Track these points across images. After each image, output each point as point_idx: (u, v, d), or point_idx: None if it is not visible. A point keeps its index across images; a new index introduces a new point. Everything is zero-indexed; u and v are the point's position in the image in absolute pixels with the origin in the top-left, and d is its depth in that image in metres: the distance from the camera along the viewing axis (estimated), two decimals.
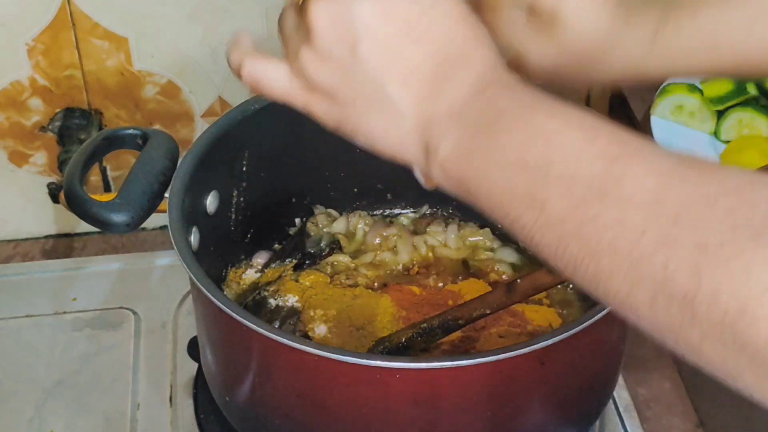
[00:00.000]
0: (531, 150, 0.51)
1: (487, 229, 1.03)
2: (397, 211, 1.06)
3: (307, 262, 0.99)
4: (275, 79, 0.60)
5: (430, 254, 1.01)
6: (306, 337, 0.90)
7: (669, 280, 0.45)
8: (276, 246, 1.02)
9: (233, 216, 0.95)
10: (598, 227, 0.48)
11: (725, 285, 0.43)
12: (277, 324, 0.91)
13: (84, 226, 1.16)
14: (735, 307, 0.42)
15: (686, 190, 0.46)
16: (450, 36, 0.56)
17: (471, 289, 0.95)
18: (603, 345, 0.79)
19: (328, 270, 0.99)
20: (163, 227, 1.17)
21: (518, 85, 0.55)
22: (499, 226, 0.54)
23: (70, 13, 1.05)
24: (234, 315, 0.72)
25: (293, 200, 1.03)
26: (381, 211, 1.06)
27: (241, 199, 0.95)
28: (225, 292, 0.94)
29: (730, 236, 0.43)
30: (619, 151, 0.49)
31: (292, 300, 0.94)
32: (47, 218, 1.20)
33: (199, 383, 0.97)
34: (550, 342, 0.71)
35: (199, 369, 0.98)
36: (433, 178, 0.57)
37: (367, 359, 0.72)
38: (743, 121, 1.11)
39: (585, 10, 0.66)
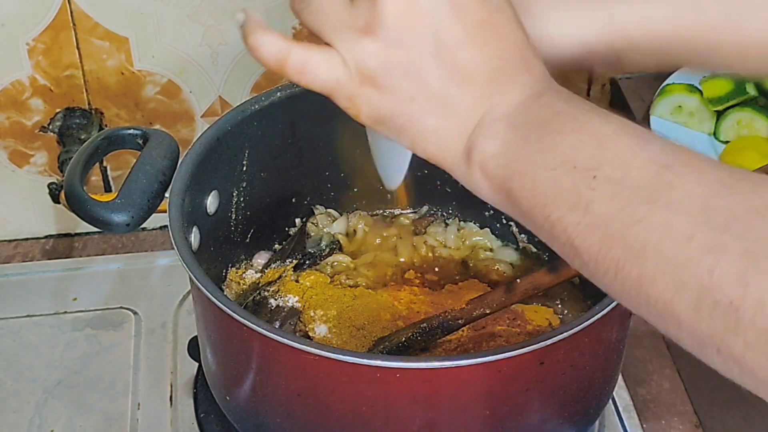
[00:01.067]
0: (582, 151, 0.51)
1: (487, 230, 1.03)
2: (397, 211, 1.06)
3: (307, 262, 0.99)
4: (324, 69, 0.56)
5: (430, 254, 1.01)
6: (306, 337, 0.90)
7: (714, 286, 0.44)
8: (276, 246, 1.02)
9: (233, 216, 0.95)
10: (644, 230, 0.47)
11: None
12: (277, 324, 0.91)
13: (84, 226, 1.16)
14: None
15: (736, 200, 0.46)
16: (512, 40, 0.55)
17: (471, 289, 0.95)
18: (602, 345, 0.80)
19: (329, 270, 0.99)
20: (163, 227, 1.18)
21: (573, 94, 0.55)
22: (535, 233, 0.54)
23: (71, 13, 1.05)
24: (234, 315, 0.72)
25: (293, 200, 1.03)
26: (381, 211, 1.06)
27: (241, 199, 0.95)
28: (225, 292, 0.94)
29: None
30: (671, 160, 0.49)
31: (292, 300, 0.94)
32: (48, 218, 1.20)
33: (199, 383, 0.98)
34: (549, 342, 0.71)
35: (199, 369, 0.98)
36: (470, 184, 0.56)
37: (368, 359, 0.72)
38: (742, 122, 1.12)
39: None
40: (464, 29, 0.54)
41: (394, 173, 0.67)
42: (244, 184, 0.95)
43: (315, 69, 0.56)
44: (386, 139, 0.59)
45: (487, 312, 0.86)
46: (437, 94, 0.55)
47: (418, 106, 0.55)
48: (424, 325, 0.87)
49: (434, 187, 1.04)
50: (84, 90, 1.11)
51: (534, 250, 1.02)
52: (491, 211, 1.04)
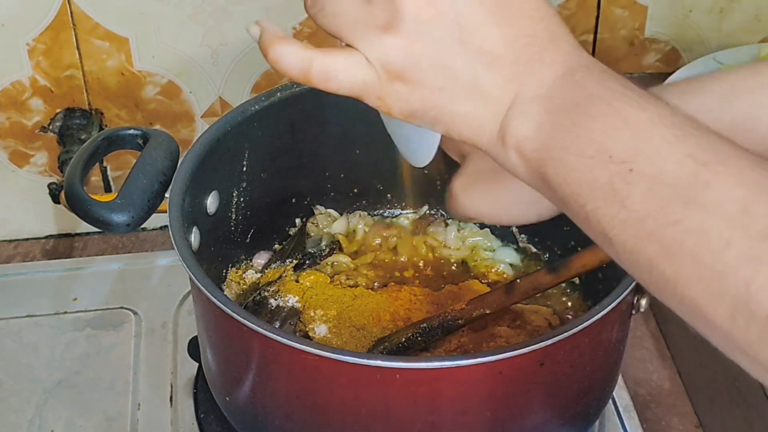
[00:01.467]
0: (617, 141, 0.49)
1: (487, 230, 1.03)
2: (397, 211, 1.06)
3: (307, 262, 0.99)
4: (349, 73, 0.55)
5: (430, 255, 1.01)
6: (306, 337, 0.90)
7: (752, 298, 0.44)
8: (276, 246, 1.02)
9: (233, 216, 0.95)
10: (680, 232, 0.47)
11: None
12: (277, 324, 0.91)
13: (84, 226, 1.16)
14: None
15: None
16: (538, 15, 0.54)
17: (471, 289, 0.95)
18: (603, 345, 0.80)
19: (329, 270, 0.99)
20: (164, 227, 1.18)
21: (607, 71, 0.53)
22: (572, 218, 0.53)
23: (71, 13, 1.05)
24: (234, 315, 0.72)
25: (293, 200, 1.03)
26: (381, 211, 1.06)
27: (241, 199, 0.95)
28: (225, 293, 0.94)
29: None
30: (709, 156, 0.47)
31: (292, 300, 0.94)
32: (48, 218, 1.20)
33: (200, 383, 0.98)
34: (549, 342, 0.71)
35: (200, 369, 0.98)
36: (507, 165, 0.55)
37: (368, 359, 0.72)
38: None
39: None
40: (486, 10, 0.53)
41: (424, 152, 0.64)
42: (244, 184, 0.95)
43: (340, 74, 0.55)
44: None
45: (487, 312, 0.86)
46: (466, 81, 0.53)
47: (448, 95, 0.54)
48: (424, 325, 0.87)
49: (434, 188, 1.04)
50: (84, 90, 1.11)
51: (534, 250, 1.02)
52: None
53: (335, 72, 0.55)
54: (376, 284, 0.97)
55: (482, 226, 1.04)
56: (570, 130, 0.51)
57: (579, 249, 0.83)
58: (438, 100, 0.54)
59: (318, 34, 1.10)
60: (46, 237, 1.21)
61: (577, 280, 0.94)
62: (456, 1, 0.52)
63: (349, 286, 0.96)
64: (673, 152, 0.48)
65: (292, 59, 0.55)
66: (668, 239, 0.47)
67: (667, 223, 0.47)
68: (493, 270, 0.99)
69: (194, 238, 0.86)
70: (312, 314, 0.92)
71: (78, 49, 1.08)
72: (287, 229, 1.03)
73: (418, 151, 0.64)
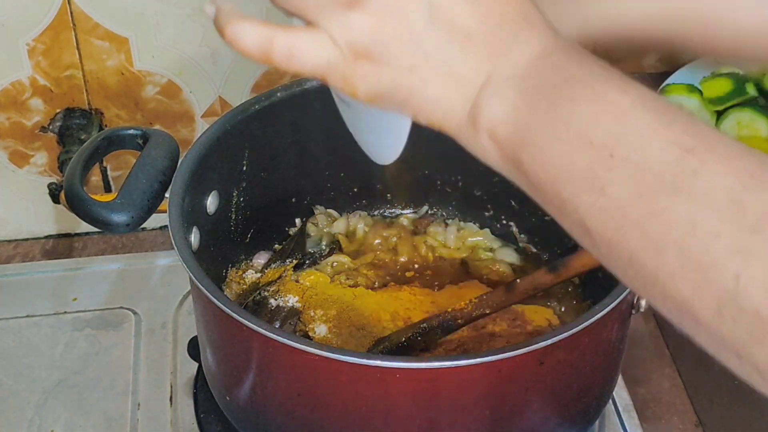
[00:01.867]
0: (598, 126, 0.47)
1: (487, 230, 1.03)
2: (397, 211, 1.06)
3: (307, 262, 0.99)
4: (313, 52, 0.52)
5: (430, 254, 1.01)
6: (306, 337, 0.90)
7: (740, 292, 0.42)
8: (276, 246, 1.02)
9: (233, 216, 0.95)
10: (664, 223, 0.44)
11: None
12: (277, 324, 0.91)
13: (84, 226, 1.16)
14: None
15: (767, 196, 0.43)
16: None
17: (471, 289, 0.95)
18: (602, 345, 0.80)
19: (329, 270, 0.99)
20: (164, 227, 1.18)
21: (585, 53, 0.51)
22: (543, 207, 0.51)
23: (71, 13, 1.05)
24: (234, 315, 0.72)
25: (293, 200, 1.03)
26: (381, 211, 1.06)
27: (241, 199, 0.95)
28: (225, 292, 0.94)
29: None
30: (695, 143, 0.45)
31: (292, 300, 0.94)
32: (48, 218, 1.20)
33: (199, 383, 0.98)
34: (549, 342, 0.71)
35: (199, 369, 0.98)
36: (477, 150, 0.52)
37: (368, 359, 0.72)
38: (742, 122, 1.12)
39: None
40: None
41: (391, 146, 0.60)
42: (244, 184, 0.95)
43: (303, 53, 0.52)
44: (377, 111, 0.55)
45: (487, 312, 0.86)
46: (437, 61, 0.51)
47: (418, 76, 0.51)
48: (424, 325, 0.87)
49: (434, 187, 1.04)
50: (84, 90, 1.11)
51: (534, 250, 1.02)
52: (491, 211, 1.04)
53: (298, 50, 0.52)
54: (376, 284, 0.97)
55: (482, 226, 1.04)
56: (548, 114, 0.49)
57: (579, 249, 0.83)
58: (407, 81, 0.52)
59: None
60: (46, 237, 1.21)
61: (577, 280, 0.94)
62: None
63: (349, 286, 0.96)
64: (657, 138, 0.46)
65: (251, 37, 0.53)
66: (651, 229, 0.45)
67: (651, 213, 0.45)
68: (493, 270, 0.99)
69: (194, 238, 0.86)
70: (312, 314, 0.92)
71: (78, 48, 1.08)
72: (287, 229, 1.03)
73: (384, 145, 0.61)
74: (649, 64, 1.19)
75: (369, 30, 0.51)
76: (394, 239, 1.01)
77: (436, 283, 0.97)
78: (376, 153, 0.63)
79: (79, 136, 1.11)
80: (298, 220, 1.04)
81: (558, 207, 0.49)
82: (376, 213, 1.06)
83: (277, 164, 0.97)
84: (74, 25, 1.06)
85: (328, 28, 0.52)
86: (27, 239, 1.21)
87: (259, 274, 0.98)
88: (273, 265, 0.99)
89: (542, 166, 0.49)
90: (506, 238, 1.03)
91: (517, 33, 0.51)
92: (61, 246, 1.20)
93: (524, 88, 0.50)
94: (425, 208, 1.06)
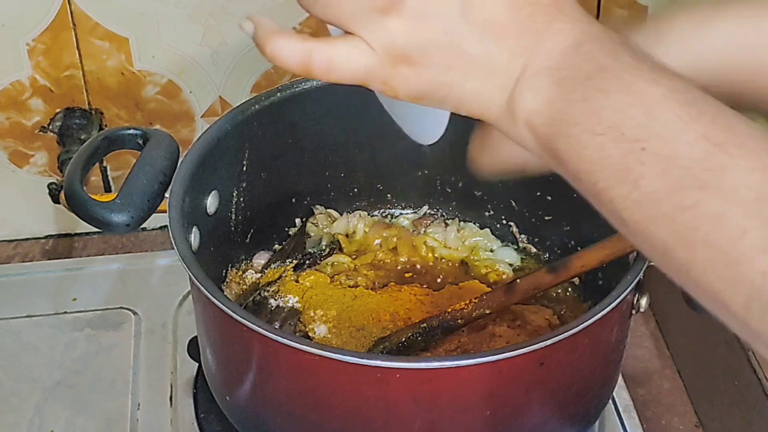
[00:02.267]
0: (629, 119, 0.48)
1: (487, 230, 1.03)
2: (397, 211, 1.06)
3: (307, 262, 0.99)
4: (351, 61, 0.53)
5: (430, 255, 1.01)
6: (306, 337, 0.90)
7: (767, 289, 0.43)
8: (276, 246, 1.02)
9: (233, 216, 0.95)
10: (694, 217, 0.45)
11: None
12: (277, 324, 0.91)
13: (84, 227, 1.16)
14: None
15: None
16: None
17: (471, 289, 0.95)
18: (602, 345, 0.79)
19: (329, 270, 0.99)
20: (164, 227, 1.18)
21: (617, 41, 0.51)
22: (583, 194, 0.51)
23: (71, 13, 1.05)
24: (234, 315, 0.72)
25: (293, 200, 1.03)
26: (381, 211, 1.06)
27: (241, 199, 0.95)
28: (225, 293, 0.94)
29: None
30: (723, 137, 0.46)
31: (292, 300, 0.94)
32: (47, 218, 1.20)
33: (199, 383, 0.98)
34: (549, 342, 0.71)
35: (199, 369, 0.98)
36: (516, 138, 0.53)
37: (368, 359, 0.72)
38: None
39: None
40: None
41: (434, 128, 0.62)
42: (244, 184, 0.95)
43: (342, 63, 0.53)
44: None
45: (487, 312, 0.86)
46: (474, 56, 0.52)
47: (457, 74, 0.53)
48: (424, 325, 0.87)
49: (434, 187, 1.04)
50: (84, 90, 1.11)
51: (534, 250, 1.02)
52: (491, 212, 1.04)
53: (337, 61, 0.53)
54: (376, 284, 0.97)
55: (482, 226, 1.04)
56: (580, 105, 0.50)
57: (579, 249, 0.83)
58: (446, 79, 0.53)
59: (319, 33, 1.10)
60: (46, 237, 1.21)
61: (577, 280, 0.94)
62: None
63: (349, 286, 0.96)
64: (686, 131, 0.47)
65: (290, 53, 0.54)
66: (682, 224, 0.46)
67: (682, 207, 0.46)
68: (493, 270, 0.99)
69: (194, 238, 0.85)
70: (312, 314, 0.92)
71: (78, 48, 1.08)
72: (287, 229, 1.03)
73: (428, 127, 0.62)
74: None
75: (405, 34, 0.52)
76: (394, 239, 1.01)
77: (436, 284, 0.97)
78: (418, 134, 0.64)
79: (79, 136, 1.11)
80: (298, 220, 1.04)
81: (594, 196, 0.50)
82: (376, 213, 1.06)
83: (277, 164, 0.97)
84: (74, 25, 1.06)
85: (365, 35, 0.53)
86: (27, 239, 1.21)
87: (259, 275, 0.98)
88: (273, 266, 0.99)
89: (577, 157, 0.50)
90: (506, 238, 1.03)
91: (549, 23, 0.51)
92: (61, 246, 1.20)
93: (558, 79, 0.51)
94: (425, 208, 1.06)
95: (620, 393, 0.97)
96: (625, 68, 0.50)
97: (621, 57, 0.50)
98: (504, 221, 1.03)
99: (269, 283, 0.96)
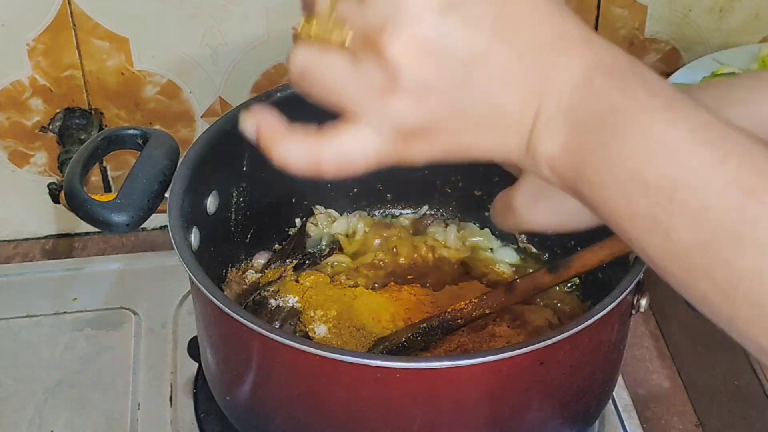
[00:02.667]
0: (651, 166, 0.45)
1: (487, 230, 1.03)
2: (397, 211, 1.06)
3: (307, 262, 0.99)
4: (361, 152, 0.51)
5: (430, 255, 1.01)
6: (306, 337, 0.90)
7: None
8: (276, 246, 1.02)
9: (233, 216, 0.95)
10: (732, 273, 0.44)
11: None
12: (277, 324, 0.91)
13: (84, 226, 1.16)
14: None
15: None
16: (537, 20, 0.49)
17: (471, 289, 0.95)
18: (602, 345, 0.79)
19: (329, 270, 0.99)
20: (163, 227, 1.18)
21: (628, 67, 0.49)
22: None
23: (71, 13, 1.05)
24: (234, 315, 0.72)
25: (293, 200, 1.03)
26: (381, 211, 1.06)
27: (241, 199, 0.95)
28: (225, 293, 0.94)
29: None
30: (754, 182, 0.44)
31: (292, 300, 0.94)
32: (47, 218, 1.20)
33: (199, 383, 0.98)
34: (549, 342, 0.71)
35: (199, 369, 0.98)
36: (543, 179, 0.51)
37: (368, 359, 0.72)
38: None
39: None
40: (481, 35, 0.48)
41: None
42: (244, 185, 0.95)
43: (353, 157, 0.51)
44: None
45: (487, 312, 0.86)
46: (483, 117, 0.50)
47: (470, 135, 0.50)
48: (424, 325, 0.87)
49: (434, 188, 1.04)
50: (84, 90, 1.11)
51: (534, 250, 1.02)
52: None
53: (348, 156, 0.51)
54: (376, 284, 0.97)
55: (482, 226, 1.04)
56: (599, 153, 0.47)
57: (579, 249, 0.83)
58: (460, 141, 0.51)
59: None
60: (46, 237, 1.21)
61: (577, 280, 0.94)
62: (447, 39, 0.47)
63: (349, 286, 0.96)
64: (714, 179, 0.44)
65: (298, 158, 0.52)
66: (721, 278, 0.44)
67: (717, 262, 0.44)
68: (493, 270, 0.99)
69: (194, 238, 0.85)
70: (312, 314, 0.92)
71: (78, 49, 1.08)
72: (287, 229, 1.03)
73: None
74: (649, 63, 1.19)
75: (409, 112, 0.49)
76: (394, 239, 1.01)
77: (436, 284, 0.97)
78: None
79: (79, 136, 1.11)
80: (298, 220, 1.04)
81: (629, 242, 0.48)
82: (376, 213, 1.06)
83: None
84: (74, 25, 1.06)
85: (370, 121, 0.50)
86: (27, 239, 1.21)
87: (259, 275, 0.98)
88: (273, 266, 0.99)
89: (604, 204, 0.48)
90: (506, 238, 1.03)
91: (555, 61, 0.49)
92: (61, 246, 1.20)
93: (573, 121, 0.48)
94: (425, 208, 1.06)
95: (620, 393, 0.97)
96: (639, 107, 0.47)
97: (634, 92, 0.48)
98: None
99: (269, 283, 0.96)
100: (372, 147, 0.51)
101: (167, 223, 0.79)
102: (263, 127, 0.54)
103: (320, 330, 0.91)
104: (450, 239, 1.02)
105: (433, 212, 1.06)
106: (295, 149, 0.52)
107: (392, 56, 0.48)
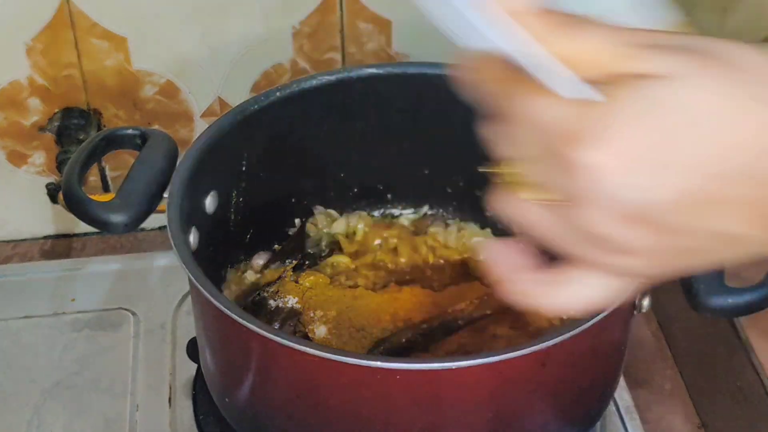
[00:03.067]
0: None
1: (488, 230, 1.03)
2: (397, 211, 1.06)
3: (306, 262, 0.99)
4: (603, 298, 0.49)
5: (431, 255, 1.01)
6: (306, 338, 0.90)
7: None
8: (276, 246, 1.02)
9: (232, 216, 0.95)
10: None
11: None
12: (276, 325, 0.91)
13: (83, 227, 1.16)
14: None
15: None
16: (738, 134, 0.43)
17: (471, 289, 0.95)
18: (604, 346, 0.79)
19: (328, 271, 0.98)
20: (162, 227, 1.17)
21: None
22: None
23: (69, 12, 1.05)
24: (233, 316, 0.72)
25: (293, 200, 1.02)
26: (381, 211, 1.06)
27: (241, 199, 0.95)
28: (224, 293, 0.93)
29: None
30: None
31: (291, 301, 0.93)
32: (46, 218, 1.20)
33: (199, 384, 0.97)
34: (551, 343, 0.70)
35: (199, 370, 0.98)
36: None
37: (368, 360, 0.72)
38: None
39: None
40: (693, 193, 0.44)
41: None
42: (244, 185, 0.94)
43: (590, 303, 0.49)
44: None
45: (488, 313, 0.85)
46: (715, 240, 0.46)
47: (700, 257, 0.47)
48: (425, 326, 0.87)
49: (434, 188, 1.04)
50: (82, 90, 1.11)
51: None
52: (492, 212, 1.03)
53: (582, 302, 0.49)
54: (376, 285, 0.96)
55: (483, 226, 1.04)
56: None
57: None
58: (692, 264, 0.48)
59: (318, 32, 1.09)
60: (44, 237, 1.21)
61: None
62: (658, 198, 0.44)
63: (349, 286, 0.96)
64: None
65: (527, 297, 0.51)
66: None
67: None
68: None
69: (193, 238, 0.85)
70: (312, 315, 0.92)
71: (76, 48, 1.08)
72: (287, 229, 1.03)
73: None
74: None
75: (642, 263, 0.47)
76: (395, 240, 1.01)
77: (436, 284, 0.97)
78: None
79: (78, 136, 1.10)
80: (297, 220, 1.03)
81: None
82: (376, 213, 1.06)
83: (276, 164, 0.97)
84: (73, 24, 1.06)
85: (605, 271, 0.48)
86: (25, 239, 1.20)
87: (258, 275, 0.98)
88: (272, 266, 0.98)
89: None
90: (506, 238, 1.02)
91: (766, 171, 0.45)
92: (59, 246, 1.19)
93: None
94: (425, 208, 1.06)
95: (622, 394, 0.97)
96: None
97: None
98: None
99: (269, 284, 0.96)
100: (613, 294, 0.49)
101: (166, 224, 0.79)
102: (499, 261, 0.54)
103: (320, 331, 0.90)
104: (450, 239, 1.02)
105: (433, 212, 1.06)
106: (530, 287, 0.52)
107: (598, 229, 0.46)
